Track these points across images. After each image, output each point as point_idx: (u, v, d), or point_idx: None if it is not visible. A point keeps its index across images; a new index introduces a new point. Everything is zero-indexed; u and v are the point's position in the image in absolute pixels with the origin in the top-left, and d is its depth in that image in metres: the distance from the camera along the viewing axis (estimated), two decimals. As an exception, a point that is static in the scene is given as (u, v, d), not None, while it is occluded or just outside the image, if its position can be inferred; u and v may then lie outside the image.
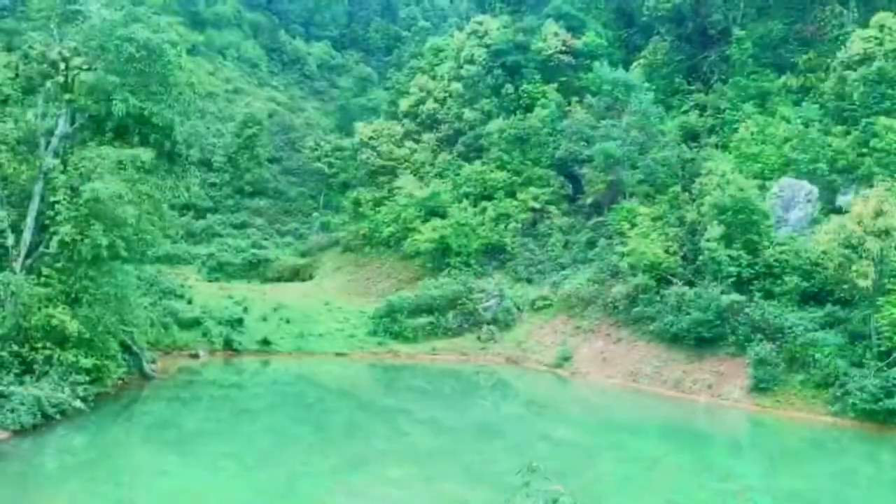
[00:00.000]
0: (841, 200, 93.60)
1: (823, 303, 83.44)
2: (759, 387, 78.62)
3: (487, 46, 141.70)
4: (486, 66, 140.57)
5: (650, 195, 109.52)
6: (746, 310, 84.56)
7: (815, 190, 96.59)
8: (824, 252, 79.79)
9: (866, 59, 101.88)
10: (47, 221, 64.60)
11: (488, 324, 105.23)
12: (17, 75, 69.84)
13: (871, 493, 59.44)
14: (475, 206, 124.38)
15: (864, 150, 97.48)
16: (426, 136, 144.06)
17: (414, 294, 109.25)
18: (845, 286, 78.85)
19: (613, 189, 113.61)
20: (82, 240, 62.42)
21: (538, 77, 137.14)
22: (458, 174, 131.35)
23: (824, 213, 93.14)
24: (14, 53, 75.77)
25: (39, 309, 61.86)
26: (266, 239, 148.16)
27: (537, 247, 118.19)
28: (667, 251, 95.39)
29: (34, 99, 68.87)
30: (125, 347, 75.40)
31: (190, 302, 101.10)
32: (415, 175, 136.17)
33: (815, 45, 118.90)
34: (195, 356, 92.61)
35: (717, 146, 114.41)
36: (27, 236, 64.20)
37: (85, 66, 67.70)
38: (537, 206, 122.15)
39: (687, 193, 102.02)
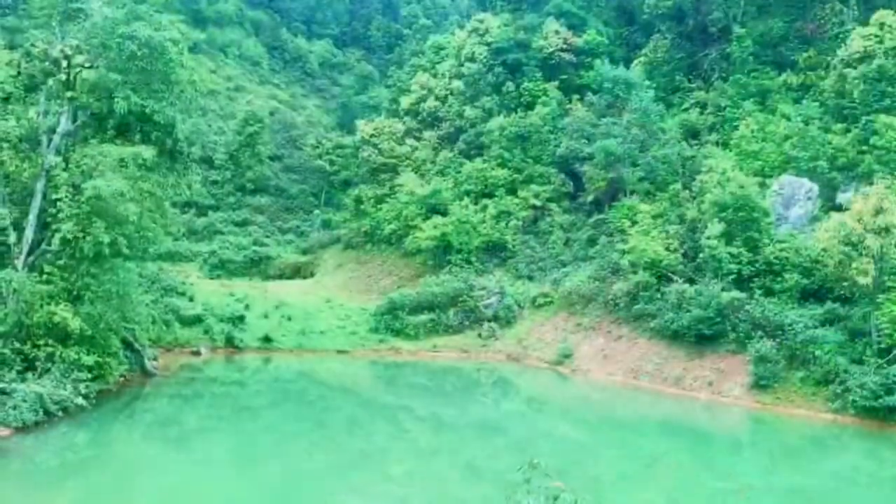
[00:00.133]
0: (841, 198, 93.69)
1: (823, 300, 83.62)
2: (760, 384, 78.79)
3: (488, 44, 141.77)
4: (487, 63, 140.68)
5: (651, 193, 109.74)
6: (747, 307, 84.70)
7: (816, 187, 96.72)
8: (824, 249, 79.89)
9: (866, 56, 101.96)
10: (49, 219, 64.67)
11: (489, 321, 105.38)
12: (19, 73, 69.86)
13: (871, 490, 59.55)
14: (476, 203, 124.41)
15: (865, 148, 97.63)
16: (427, 134, 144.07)
17: (415, 291, 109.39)
18: (845, 283, 79.04)
19: (614, 187, 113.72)
20: (84, 237, 62.43)
21: (539, 75, 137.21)
22: (459, 172, 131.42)
23: (824, 211, 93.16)
24: (16, 51, 75.79)
25: (41, 306, 61.89)
26: (267, 236, 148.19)
27: (538, 244, 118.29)
28: (667, 248, 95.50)
29: (36, 97, 68.91)
30: (127, 345, 75.43)
31: (191, 299, 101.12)
32: (416, 173, 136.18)
33: (815, 43, 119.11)
34: (197, 353, 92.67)
35: (717, 144, 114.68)
36: (29, 234, 64.24)
37: (87, 64, 67.70)
38: (538, 203, 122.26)
39: (687, 191, 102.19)
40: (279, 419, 71.72)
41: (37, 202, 64.54)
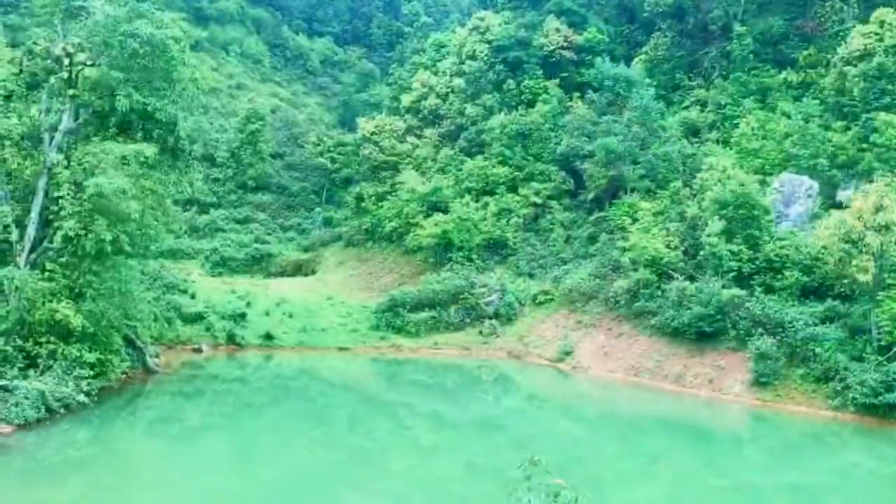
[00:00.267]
0: (841, 196, 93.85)
1: (824, 297, 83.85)
2: (760, 381, 78.98)
3: (489, 42, 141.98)
4: (488, 61, 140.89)
5: (651, 190, 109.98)
6: (747, 304, 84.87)
7: (816, 185, 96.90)
8: (824, 247, 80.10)
9: (866, 54, 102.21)
10: (51, 216, 64.76)
11: (490, 318, 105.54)
12: (21, 71, 69.97)
13: (871, 487, 59.69)
14: (477, 201, 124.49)
15: (865, 146, 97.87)
16: (428, 132, 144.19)
17: (416, 289, 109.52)
18: (845, 281, 79.26)
19: (615, 184, 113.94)
20: (86, 235, 62.50)
21: (540, 73, 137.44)
22: (460, 169, 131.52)
23: (824, 209, 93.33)
24: (18, 49, 75.91)
25: (43, 303, 61.99)
26: (269, 234, 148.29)
27: (539, 242, 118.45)
28: (668, 246, 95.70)
29: (38, 94, 69.00)
30: (129, 342, 75.55)
31: (193, 297, 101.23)
32: (417, 170, 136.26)
33: (815, 41, 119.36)
34: (198, 351, 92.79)
35: (717, 142, 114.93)
36: (31, 231, 64.34)
37: (89, 62, 67.73)
38: (539, 201, 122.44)
39: (688, 189, 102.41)
40: (280, 416, 71.86)
41: (39, 200, 64.65)
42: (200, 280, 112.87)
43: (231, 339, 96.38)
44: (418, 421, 75.32)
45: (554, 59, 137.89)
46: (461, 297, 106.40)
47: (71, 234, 62.38)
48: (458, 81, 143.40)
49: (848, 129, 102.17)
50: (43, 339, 62.27)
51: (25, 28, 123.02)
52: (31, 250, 64.47)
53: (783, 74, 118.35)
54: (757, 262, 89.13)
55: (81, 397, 61.00)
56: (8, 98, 67.65)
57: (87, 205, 62.32)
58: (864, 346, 75.86)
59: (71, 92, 66.90)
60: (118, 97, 65.25)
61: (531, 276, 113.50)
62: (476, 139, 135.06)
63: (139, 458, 57.55)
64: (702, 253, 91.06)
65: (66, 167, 64.90)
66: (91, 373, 63.74)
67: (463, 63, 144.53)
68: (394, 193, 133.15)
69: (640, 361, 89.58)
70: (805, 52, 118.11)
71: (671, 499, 53.79)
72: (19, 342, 61.65)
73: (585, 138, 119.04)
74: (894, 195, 76.12)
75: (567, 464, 55.21)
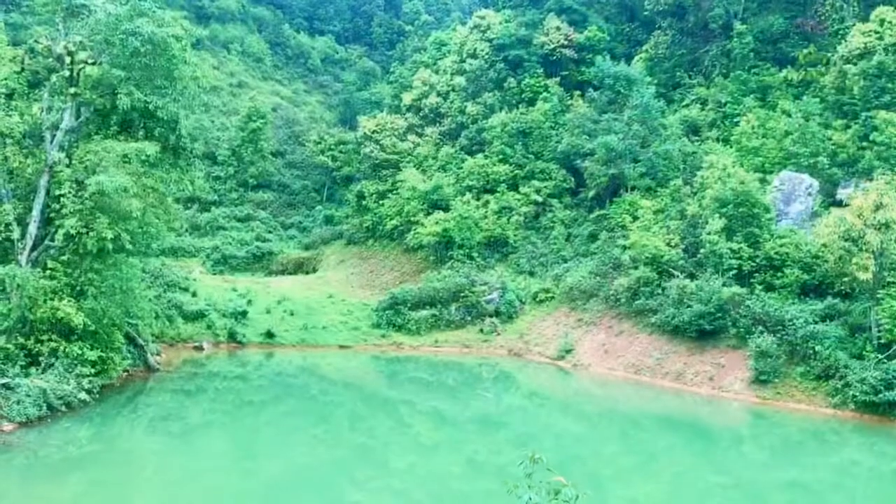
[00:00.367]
0: (841, 194, 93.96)
1: (824, 295, 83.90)
2: (760, 379, 79.03)
3: (490, 41, 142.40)
4: (489, 60, 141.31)
5: (652, 188, 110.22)
6: (747, 302, 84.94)
7: (816, 183, 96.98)
8: (825, 245, 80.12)
9: (866, 53, 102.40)
10: (53, 215, 64.86)
11: (491, 316, 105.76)
12: (22, 69, 70.08)
13: (871, 484, 59.71)
14: (478, 199, 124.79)
15: (865, 144, 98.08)
16: (429, 130, 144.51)
17: (417, 286, 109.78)
18: (845, 279, 79.24)
19: (615, 182, 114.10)
20: (87, 233, 62.63)
21: (540, 71, 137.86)
22: (460, 167, 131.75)
23: (825, 207, 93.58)
24: (20, 48, 76.05)
25: (45, 301, 62.10)
26: (270, 232, 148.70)
27: (539, 240, 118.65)
28: (668, 244, 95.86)
29: (40, 93, 69.14)
30: (130, 340, 75.86)
31: (194, 294, 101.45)
32: (418, 168, 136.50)
33: (815, 40, 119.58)
34: (199, 348, 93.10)
35: (718, 140, 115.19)
36: (33, 229, 64.44)
37: (90, 61, 67.88)
38: (539, 199, 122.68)
39: (688, 187, 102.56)
40: (281, 414, 72.00)
41: (40, 198, 64.75)
42: (201, 278, 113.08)
43: (232, 336, 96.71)
44: (419, 418, 75.41)
45: (555, 58, 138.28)
46: (462, 295, 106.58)
47: (72, 232, 62.49)
48: (459, 80, 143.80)
49: (848, 127, 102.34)
50: (44, 337, 62.46)
51: (27, 26, 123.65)
52: (33, 248, 64.60)
53: (783, 73, 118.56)
54: (757, 260, 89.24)
55: (83, 395, 61.26)
56: (10, 96, 67.70)
57: (88, 203, 62.47)
58: (864, 344, 75.87)
59: (72, 90, 67.00)
60: (119, 95, 65.33)
61: (532, 274, 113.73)
62: (477, 137, 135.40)
63: (140, 455, 57.53)
64: (702, 251, 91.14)
65: (68, 165, 65.03)
66: (92, 370, 63.99)
67: (464, 61, 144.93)
68: (395, 191, 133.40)
69: (641, 359, 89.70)
70: (805, 51, 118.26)
71: (671, 496, 53.80)
72: (21, 340, 61.87)
73: (586, 136, 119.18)
74: (894, 193, 76.12)
75: (567, 461, 55.64)
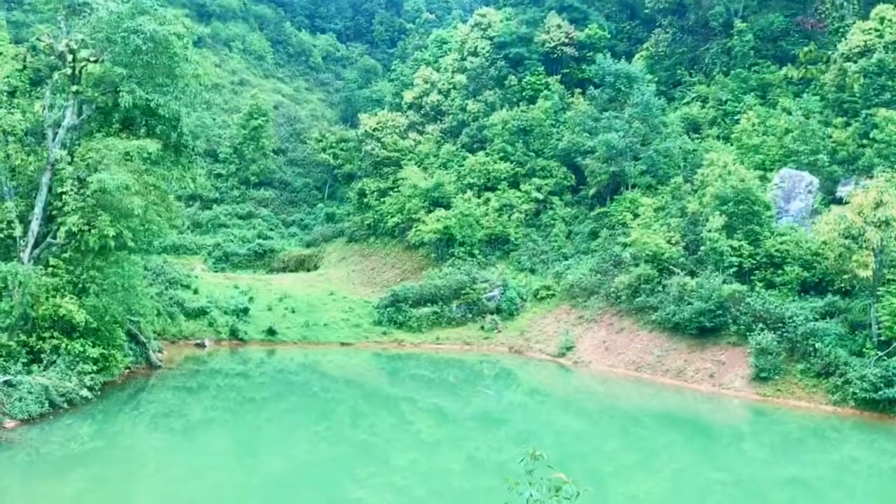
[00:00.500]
0: (841, 191, 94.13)
1: (824, 293, 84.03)
2: (760, 376, 79.16)
3: (491, 39, 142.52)
4: (490, 58, 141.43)
5: (652, 186, 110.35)
6: (748, 299, 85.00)
7: (816, 181, 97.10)
8: (825, 242, 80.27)
9: (866, 51, 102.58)
10: (55, 212, 65.02)
11: (491, 313, 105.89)
12: (24, 67, 70.32)
13: (871, 481, 59.82)
14: (479, 196, 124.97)
15: (865, 142, 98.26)
16: (430, 128, 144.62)
17: (418, 284, 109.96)
18: (845, 276, 79.30)
19: (616, 180, 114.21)
20: (89, 230, 62.79)
21: (541, 69, 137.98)
22: (461, 165, 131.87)
23: (825, 204, 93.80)
24: (22, 46, 76.23)
25: (47, 299, 62.24)
26: (271, 229, 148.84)
27: (540, 237, 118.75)
28: (669, 241, 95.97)
29: (42, 91, 69.31)
30: (132, 337, 76.04)
31: (196, 292, 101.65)
32: (419, 166, 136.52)
33: (815, 38, 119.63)
34: (201, 345, 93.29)
35: (718, 137, 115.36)
36: (35, 227, 64.55)
37: (92, 58, 67.99)
38: (540, 196, 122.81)
39: (689, 184, 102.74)
40: (283, 411, 72.20)
41: (42, 195, 64.89)
42: (203, 275, 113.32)
43: (234, 334, 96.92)
44: (420, 415, 75.53)
45: (555, 56, 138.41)
46: (463, 292, 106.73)
47: (74, 229, 62.67)
48: (460, 78, 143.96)
49: (848, 125, 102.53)
50: (46, 335, 62.62)
51: (29, 24, 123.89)
52: (35, 246, 64.73)
53: (783, 70, 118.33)
54: (757, 258, 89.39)
55: (84, 392, 61.43)
56: (12, 94, 67.85)
57: (90, 200, 62.62)
58: (864, 342, 75.96)
59: (74, 88, 67.13)
60: (121, 93, 65.47)
61: (532, 271, 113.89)
62: (478, 135, 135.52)
63: (142, 452, 57.70)
64: (702, 248, 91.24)
65: (70, 163, 65.12)
66: (94, 368, 64.20)
67: (465, 59, 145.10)
68: (396, 189, 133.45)
69: (641, 356, 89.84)
70: (805, 49, 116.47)
71: (672, 493, 53.93)
72: (23, 337, 62.03)
73: (587, 134, 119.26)
74: (894, 191, 76.24)
75: (568, 458, 55.75)
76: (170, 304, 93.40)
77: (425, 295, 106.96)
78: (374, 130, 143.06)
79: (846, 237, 76.17)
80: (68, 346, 62.61)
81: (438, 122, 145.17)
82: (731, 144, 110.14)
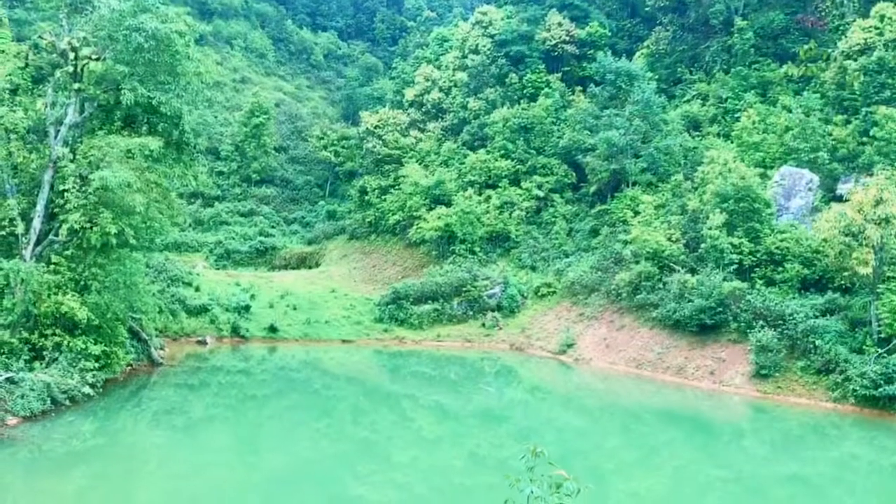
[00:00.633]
0: (841, 189, 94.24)
1: (824, 290, 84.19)
2: (761, 373, 79.33)
3: (492, 36, 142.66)
4: (491, 55, 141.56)
5: (653, 184, 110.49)
6: (748, 297, 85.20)
7: (816, 178, 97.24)
8: (825, 240, 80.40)
9: (866, 48, 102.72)
10: (56, 210, 64.99)
11: (492, 311, 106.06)
12: (26, 65, 70.37)
13: (871, 478, 59.98)
14: (480, 194, 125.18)
15: (865, 139, 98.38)
16: (431, 125, 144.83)
17: (419, 281, 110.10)
18: (846, 273, 79.48)
19: (616, 178, 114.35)
20: (91, 228, 62.82)
21: (542, 67, 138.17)
22: (462, 163, 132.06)
23: (825, 202, 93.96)
24: (24, 43, 76.36)
25: (49, 296, 62.29)
26: (273, 227, 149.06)
27: (541, 234, 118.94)
28: (669, 239, 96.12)
29: (44, 88, 69.29)
30: (133, 334, 76.08)
31: (198, 289, 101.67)
32: (420, 163, 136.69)
33: (815, 36, 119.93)
34: (203, 343, 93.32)
35: (719, 135, 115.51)
36: (37, 224, 64.53)
37: (94, 56, 67.97)
38: (541, 194, 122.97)
39: (689, 182, 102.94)
40: (284, 408, 72.27)
41: (44, 193, 64.92)
42: (205, 273, 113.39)
43: (235, 331, 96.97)
44: (421, 412, 75.64)
45: (556, 54, 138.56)
46: (464, 289, 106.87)
47: (76, 227, 62.68)
48: (461, 75, 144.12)
49: (848, 122, 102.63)
50: (48, 332, 62.64)
51: (31, 23, 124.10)
52: (37, 243, 64.73)
53: (784, 68, 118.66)
54: (758, 255, 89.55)
55: (86, 389, 61.45)
56: (14, 92, 67.91)
57: (92, 198, 62.62)
58: (865, 339, 76.13)
59: (76, 86, 67.14)
60: (123, 91, 65.55)
61: (533, 268, 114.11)
62: (479, 133, 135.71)
63: (144, 449, 57.77)
64: (703, 246, 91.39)
65: (72, 160, 65.11)
66: (96, 365, 64.27)
67: (466, 57, 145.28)
68: (397, 187, 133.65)
69: (642, 353, 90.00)
70: (806, 47, 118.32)
71: (672, 490, 54.06)
72: (25, 334, 62.07)
73: (587, 132, 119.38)
74: (894, 188, 76.37)
75: (569, 455, 55.91)
76: (171, 302, 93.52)
77: (426, 292, 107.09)
78: (375, 128, 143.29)
79: (846, 234, 76.28)
80: (70, 344, 62.66)
81: (439, 119, 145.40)
82: (732, 142, 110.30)
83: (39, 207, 64.82)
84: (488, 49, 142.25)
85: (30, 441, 52.79)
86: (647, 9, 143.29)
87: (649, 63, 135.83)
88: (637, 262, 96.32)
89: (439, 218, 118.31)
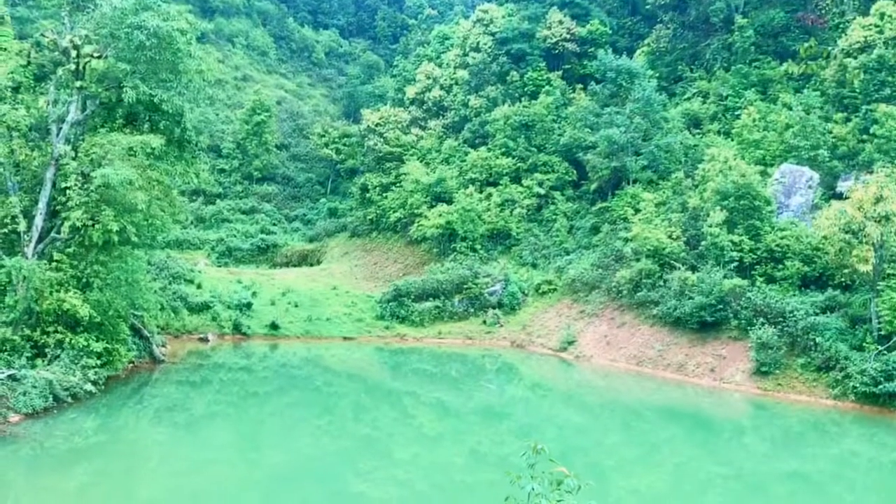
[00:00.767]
0: (841, 186, 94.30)
1: (824, 287, 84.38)
2: (761, 370, 79.42)
3: (493, 34, 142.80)
4: (492, 53, 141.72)
5: (653, 181, 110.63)
6: (748, 294, 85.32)
7: (816, 176, 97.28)
8: (825, 237, 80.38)
9: (866, 46, 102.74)
10: (59, 207, 65.05)
11: (493, 308, 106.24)
12: (28, 63, 70.46)
13: (871, 475, 59.93)
14: (481, 191, 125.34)
15: (865, 137, 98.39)
16: (432, 123, 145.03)
17: (420, 279, 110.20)
18: (846, 271, 79.55)
19: (617, 175, 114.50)
20: (93, 225, 62.86)
21: (543, 65, 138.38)
22: (463, 160, 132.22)
23: (825, 199, 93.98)
24: (26, 41, 76.45)
25: (51, 293, 62.35)
26: (274, 224, 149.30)
27: (542, 232, 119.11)
28: (670, 236, 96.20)
29: (46, 86, 69.35)
30: (135, 331, 76.12)
31: (199, 286, 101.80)
32: (421, 161, 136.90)
33: (816, 34, 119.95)
34: (204, 340, 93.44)
35: (719, 133, 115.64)
36: (39, 222, 64.60)
37: (96, 54, 68.03)
38: (542, 191, 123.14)
39: (690, 179, 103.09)
40: (286, 405, 72.25)
41: (46, 191, 65.00)
42: (206, 270, 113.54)
43: (237, 328, 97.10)
44: (422, 409, 75.66)
45: (557, 51, 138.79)
46: (465, 286, 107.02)
47: (78, 224, 62.71)
48: (462, 73, 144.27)
49: (848, 120, 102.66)
50: (50, 329, 62.76)
51: (33, 20, 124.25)
52: (39, 241, 64.82)
53: (784, 66, 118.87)
54: (758, 253, 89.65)
55: (88, 386, 61.60)
56: (16, 90, 67.97)
57: (94, 195, 62.67)
58: (865, 336, 76.26)
59: (78, 83, 67.23)
60: (125, 89, 65.65)
61: (534, 266, 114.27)
62: (480, 130, 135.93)
63: (146, 446, 57.84)
64: (703, 243, 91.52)
65: (74, 158, 65.15)
66: (98, 362, 64.30)
67: (467, 55, 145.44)
68: (398, 184, 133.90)
69: (643, 351, 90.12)
70: (806, 44, 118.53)
71: (673, 487, 54.12)
72: (27, 332, 62.17)
73: (588, 129, 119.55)
74: (894, 186, 76.48)
75: (570, 452, 56.04)
76: (173, 299, 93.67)
77: (427, 289, 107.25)
78: (376, 126, 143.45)
79: (846, 232, 76.37)
80: (72, 341, 62.77)
81: (440, 117, 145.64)
82: (732, 140, 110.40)
83: (41, 205, 64.92)
84: (489, 47, 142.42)
85: (32, 438, 52.83)
86: (647, 7, 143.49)
87: (650, 61, 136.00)
88: (638, 260, 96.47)
89: (440, 215, 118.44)
